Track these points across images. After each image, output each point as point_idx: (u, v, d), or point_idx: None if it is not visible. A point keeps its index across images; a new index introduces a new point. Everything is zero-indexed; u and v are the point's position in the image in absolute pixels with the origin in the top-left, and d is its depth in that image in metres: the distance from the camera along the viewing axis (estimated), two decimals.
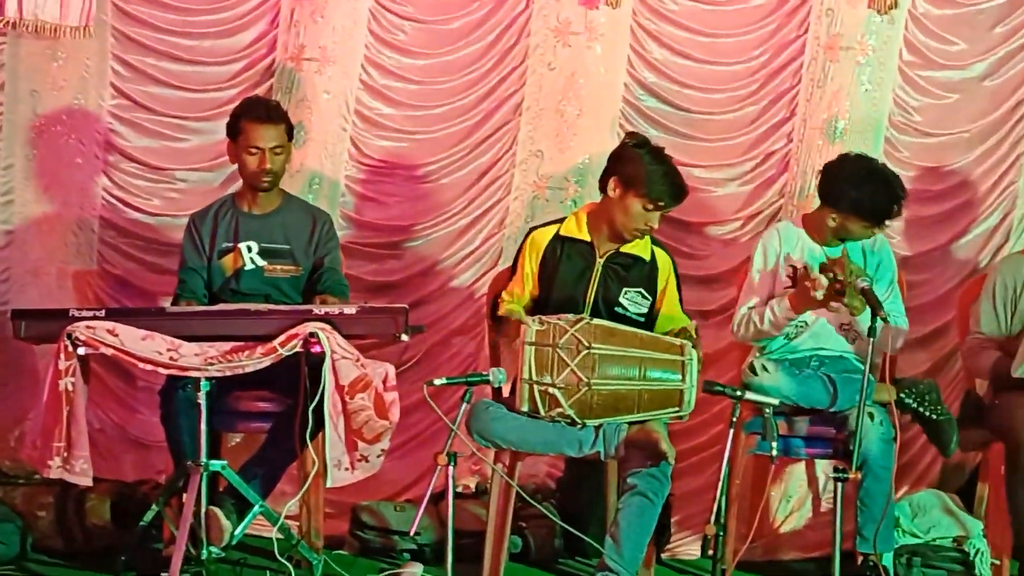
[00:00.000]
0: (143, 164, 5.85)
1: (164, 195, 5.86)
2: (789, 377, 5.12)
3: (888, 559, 5.00)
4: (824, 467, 5.72)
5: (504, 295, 5.15)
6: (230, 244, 5.23)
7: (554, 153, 5.85)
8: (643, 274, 5.08)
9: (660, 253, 5.14)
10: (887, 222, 5.20)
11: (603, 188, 5.04)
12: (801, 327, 5.21)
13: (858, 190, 5.10)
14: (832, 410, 5.09)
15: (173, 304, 5.17)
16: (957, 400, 5.60)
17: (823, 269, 5.00)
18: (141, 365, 4.67)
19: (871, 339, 4.80)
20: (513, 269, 5.20)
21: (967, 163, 5.90)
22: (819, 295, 4.98)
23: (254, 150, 5.17)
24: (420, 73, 5.87)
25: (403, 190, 5.89)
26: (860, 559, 4.96)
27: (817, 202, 5.28)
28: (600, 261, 5.06)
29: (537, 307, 5.10)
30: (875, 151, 5.68)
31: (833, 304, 5.00)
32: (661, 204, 4.97)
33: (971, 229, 5.93)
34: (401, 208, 5.89)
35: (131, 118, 5.84)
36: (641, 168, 4.94)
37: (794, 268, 5.19)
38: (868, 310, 4.86)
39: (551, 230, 5.13)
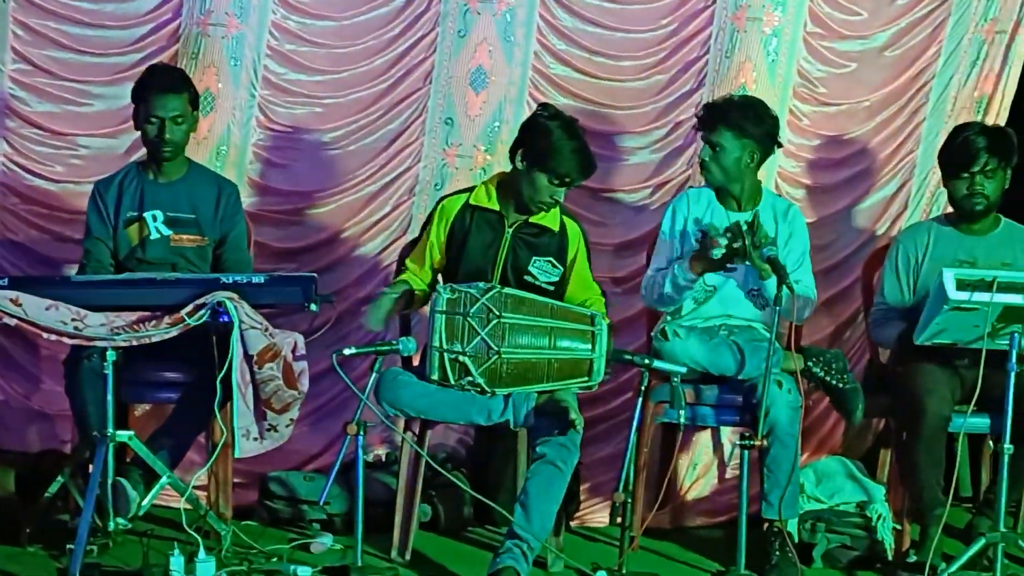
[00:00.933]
0: (45, 130, 5.74)
1: (67, 162, 5.76)
2: (700, 343, 5.17)
3: (793, 525, 5.08)
4: (729, 434, 5.79)
5: (407, 261, 5.17)
6: (135, 213, 5.16)
7: (464, 121, 5.83)
8: (553, 244, 5.10)
9: (570, 223, 5.15)
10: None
11: (512, 159, 5.04)
12: (709, 291, 5.25)
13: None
14: (740, 377, 5.15)
15: (78, 274, 5.10)
16: (859, 365, 5.70)
17: (727, 231, 5.03)
18: (45, 335, 4.62)
19: (777, 307, 4.87)
20: (420, 237, 5.19)
21: (867, 132, 5.97)
22: (716, 254, 5.01)
23: (154, 119, 5.11)
24: (328, 38, 5.81)
25: (311, 157, 5.84)
26: (765, 525, 5.02)
27: None
28: (509, 231, 5.07)
29: (447, 276, 5.11)
30: (781, 119, 5.71)
31: (730, 265, 5.04)
32: (568, 180, 4.98)
33: (869, 196, 6.00)
34: (309, 175, 5.84)
35: (32, 83, 5.73)
36: (550, 142, 4.93)
37: (703, 232, 5.23)
38: (775, 276, 4.92)
39: (461, 199, 5.13)
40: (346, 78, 5.82)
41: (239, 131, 5.75)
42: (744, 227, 5.00)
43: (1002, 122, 5.88)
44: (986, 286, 4.71)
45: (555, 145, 4.94)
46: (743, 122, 5.21)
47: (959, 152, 5.23)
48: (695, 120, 5.39)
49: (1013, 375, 4.76)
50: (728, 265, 5.05)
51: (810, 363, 5.13)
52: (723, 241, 4.99)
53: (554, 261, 5.09)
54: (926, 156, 5.97)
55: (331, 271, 5.79)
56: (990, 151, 5.17)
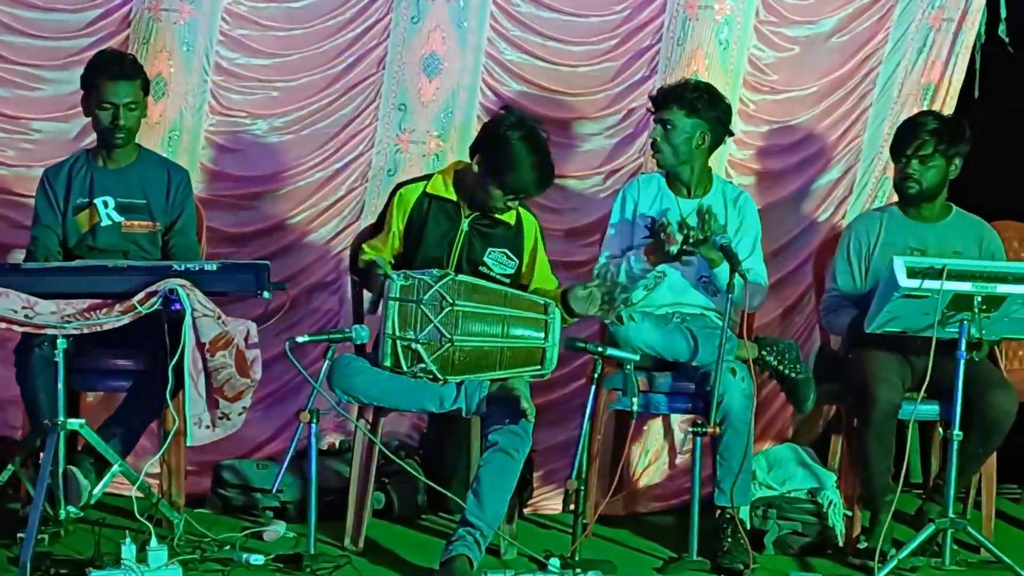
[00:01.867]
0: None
1: (19, 146, 5.69)
2: (654, 328, 5.18)
3: (745, 512, 5.10)
4: (679, 421, 5.82)
5: (365, 246, 5.13)
6: (85, 200, 5.12)
7: (417, 107, 5.82)
8: (509, 236, 5.09)
9: (526, 215, 5.15)
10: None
11: (471, 157, 5.02)
12: (659, 277, 5.26)
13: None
14: (694, 364, 5.16)
15: (26, 261, 5.06)
16: (805, 347, 5.74)
17: (681, 226, 5.06)
18: None
19: (729, 294, 4.89)
20: (379, 224, 5.17)
21: (814, 117, 6.00)
22: (673, 250, 5.04)
23: (107, 106, 5.07)
24: (280, 21, 5.76)
25: (263, 142, 5.80)
26: (718, 512, 5.04)
27: None
28: (465, 221, 5.06)
29: (402, 264, 5.09)
30: (732, 109, 5.72)
31: (685, 258, 5.06)
32: (523, 196, 4.98)
33: (815, 181, 6.05)
34: (261, 160, 5.81)
35: None
36: (508, 157, 4.89)
37: (652, 219, 5.24)
38: (726, 264, 4.94)
39: (419, 187, 5.10)
40: (297, 62, 5.78)
41: (191, 116, 5.71)
42: (695, 219, 5.02)
43: (948, 110, 5.93)
44: (936, 274, 4.75)
45: (514, 160, 4.89)
46: (696, 102, 5.24)
47: (900, 135, 5.30)
48: (648, 106, 5.40)
49: (962, 363, 4.81)
50: (684, 258, 5.07)
51: (764, 352, 5.15)
52: (679, 237, 5.02)
53: (509, 253, 5.09)
54: (872, 142, 6.02)
55: (283, 256, 5.77)
56: (930, 134, 5.20)
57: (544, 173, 4.96)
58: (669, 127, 5.25)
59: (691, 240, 5.00)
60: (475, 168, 4.98)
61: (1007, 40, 6.01)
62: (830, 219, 6.03)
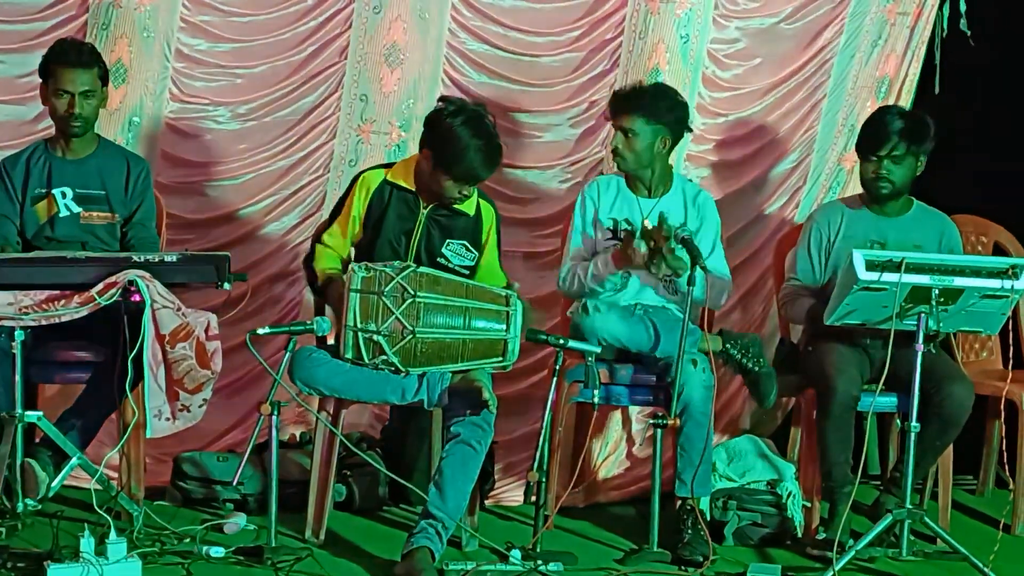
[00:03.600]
0: None
1: None
2: (619, 318, 5.19)
3: (705, 503, 5.13)
4: (636, 412, 5.84)
5: (324, 236, 5.11)
6: (43, 190, 5.09)
7: (379, 98, 5.79)
8: (468, 227, 5.09)
9: (485, 206, 5.14)
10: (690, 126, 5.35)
11: (420, 150, 5.02)
12: (626, 277, 5.27)
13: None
14: (656, 355, 5.18)
15: None
16: (762, 331, 5.77)
17: (643, 235, 5.07)
18: None
19: (691, 287, 4.91)
20: (338, 209, 5.15)
21: (768, 107, 6.04)
22: (639, 261, 5.07)
23: (63, 94, 5.03)
24: (240, 6, 5.72)
25: (225, 129, 5.77)
26: (678, 503, 5.07)
27: None
28: (424, 212, 5.05)
29: (360, 251, 5.08)
30: (691, 101, 5.74)
31: (653, 267, 5.08)
32: (473, 181, 4.97)
33: (771, 171, 6.09)
34: (223, 148, 5.77)
35: None
36: (452, 146, 4.87)
37: (615, 221, 5.25)
38: (688, 261, 4.96)
39: (381, 173, 5.10)
40: (259, 48, 5.74)
41: (152, 103, 5.66)
42: (651, 229, 5.04)
43: (906, 104, 5.96)
44: (894, 267, 4.78)
45: (459, 147, 4.87)
46: (656, 108, 5.24)
47: (871, 134, 5.30)
48: (606, 113, 5.40)
49: (920, 355, 4.84)
50: (652, 266, 5.08)
51: (728, 345, 5.17)
52: (643, 249, 5.03)
53: (468, 245, 5.08)
54: (826, 132, 6.08)
55: (243, 244, 5.75)
56: (901, 135, 5.23)
57: (490, 154, 4.93)
58: (631, 135, 5.25)
59: (653, 248, 5.01)
60: (424, 162, 4.98)
61: (968, 34, 6.05)
62: (783, 208, 6.07)
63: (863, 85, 6.08)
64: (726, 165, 6.04)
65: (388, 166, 5.14)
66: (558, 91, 5.93)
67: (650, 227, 5.07)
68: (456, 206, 5.05)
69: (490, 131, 4.94)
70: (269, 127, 5.80)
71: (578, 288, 5.26)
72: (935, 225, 5.39)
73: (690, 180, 5.58)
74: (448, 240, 5.06)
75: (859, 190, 5.46)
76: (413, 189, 5.05)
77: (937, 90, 6.13)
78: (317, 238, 5.21)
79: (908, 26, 6.07)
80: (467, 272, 5.06)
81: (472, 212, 5.10)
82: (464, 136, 4.88)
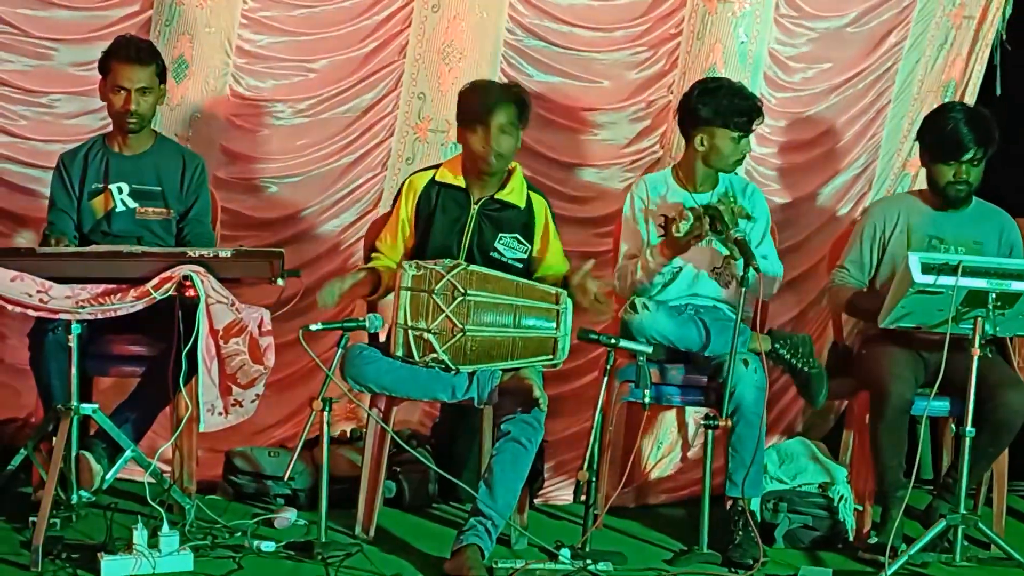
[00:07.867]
0: (16, 87, 5.63)
1: (38, 118, 5.63)
2: (668, 317, 5.17)
3: (756, 504, 5.10)
4: (693, 414, 5.81)
5: (377, 243, 5.14)
6: (100, 185, 5.14)
7: (436, 96, 5.81)
8: (519, 220, 5.10)
9: (536, 198, 5.15)
10: (752, 126, 5.25)
11: (458, 139, 5.09)
12: (676, 271, 5.25)
13: (712, 99, 5.18)
14: (706, 354, 5.15)
15: (42, 246, 5.07)
16: (819, 341, 5.72)
17: (707, 210, 5.03)
18: (10, 308, 4.57)
19: (743, 288, 4.88)
20: (389, 216, 5.18)
21: (832, 112, 5.99)
22: (680, 232, 5.01)
23: (120, 90, 5.08)
24: (304, 3, 5.76)
25: (284, 126, 5.80)
26: (729, 504, 5.04)
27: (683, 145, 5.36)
28: (475, 208, 5.06)
29: (414, 253, 5.10)
30: None
31: (693, 243, 5.04)
32: (500, 108, 4.98)
33: (837, 176, 6.03)
34: (282, 144, 5.81)
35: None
36: (474, 98, 5.02)
37: (665, 217, 5.23)
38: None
39: (428, 175, 5.12)
40: (318, 44, 5.76)
41: (212, 98, 5.70)
42: (717, 206, 5.01)
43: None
44: (951, 270, 4.73)
45: (480, 94, 5.02)
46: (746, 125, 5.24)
47: (949, 141, 5.20)
48: (672, 107, 5.38)
49: (976, 359, 4.79)
50: (693, 242, 5.05)
51: (777, 345, 5.14)
52: (685, 225, 4.99)
53: (520, 238, 5.09)
54: (891, 138, 6.01)
55: (299, 242, 5.78)
56: (978, 143, 5.18)
57: (509, 88, 5.13)
58: (713, 149, 5.25)
59: (706, 226, 4.97)
60: (462, 142, 5.05)
61: (1004, 37, 6.00)
62: (849, 215, 6.01)
63: (929, 90, 6.02)
64: (792, 170, 6.00)
65: (435, 167, 5.16)
66: (616, 89, 5.91)
67: (715, 201, 5.05)
68: (506, 198, 5.05)
69: (515, 87, 5.09)
70: (327, 124, 5.83)
71: (631, 284, 5.24)
72: (995, 221, 5.34)
73: (736, 174, 5.53)
74: (500, 234, 5.07)
75: None
76: (463, 185, 5.06)
77: (999, 91, 6.05)
78: (372, 247, 5.23)
79: (973, 29, 6.01)
80: (520, 266, 5.06)
81: (523, 204, 5.10)
82: (483, 86, 5.11)
